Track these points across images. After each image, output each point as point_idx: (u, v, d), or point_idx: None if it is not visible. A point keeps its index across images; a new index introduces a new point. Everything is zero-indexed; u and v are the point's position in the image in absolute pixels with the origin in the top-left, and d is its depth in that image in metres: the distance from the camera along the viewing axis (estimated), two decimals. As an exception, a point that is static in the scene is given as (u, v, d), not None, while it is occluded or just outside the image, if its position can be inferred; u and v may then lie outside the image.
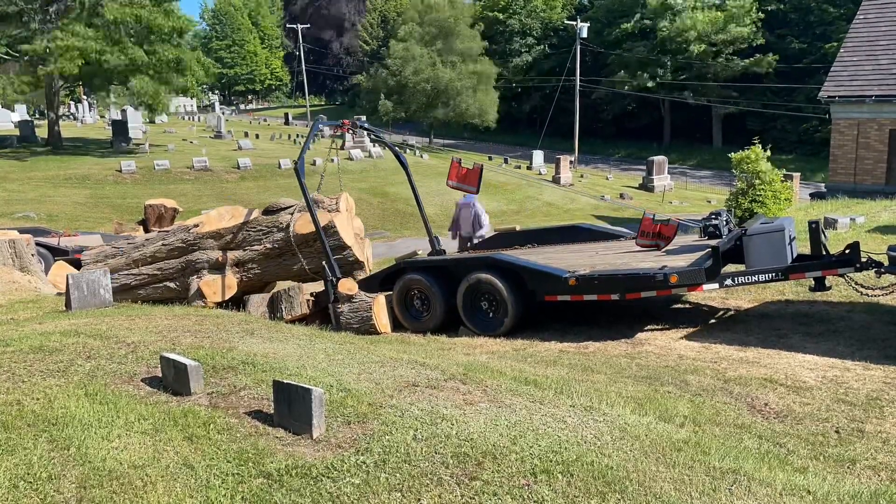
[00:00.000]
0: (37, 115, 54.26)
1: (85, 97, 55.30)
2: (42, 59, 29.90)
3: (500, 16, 62.24)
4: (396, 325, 9.05)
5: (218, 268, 9.64)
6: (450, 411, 4.32)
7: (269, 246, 9.45)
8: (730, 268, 7.99)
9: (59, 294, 10.12)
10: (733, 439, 4.73)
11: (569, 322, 8.64)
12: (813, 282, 7.65)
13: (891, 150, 20.33)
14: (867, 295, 7.59)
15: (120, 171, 29.04)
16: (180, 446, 3.80)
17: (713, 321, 8.29)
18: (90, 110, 58.56)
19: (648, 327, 8.13)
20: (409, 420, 4.13)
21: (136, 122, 44.02)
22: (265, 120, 67.41)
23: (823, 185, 25.97)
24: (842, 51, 21.83)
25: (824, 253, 7.53)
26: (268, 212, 9.74)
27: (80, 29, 30.05)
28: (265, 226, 9.54)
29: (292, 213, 9.48)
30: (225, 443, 3.86)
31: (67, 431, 3.89)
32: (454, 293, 8.55)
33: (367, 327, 8.72)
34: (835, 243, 8.99)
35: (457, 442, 3.86)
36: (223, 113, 63.30)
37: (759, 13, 49.59)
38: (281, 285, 10.02)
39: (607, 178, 41.92)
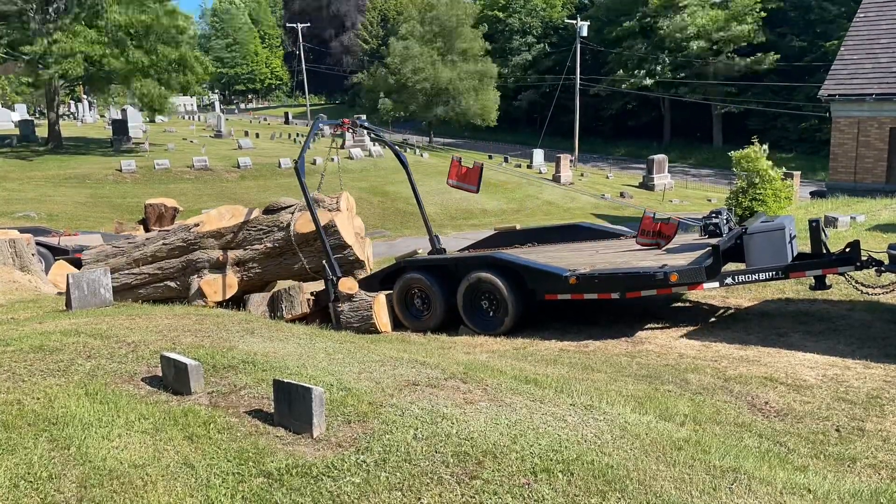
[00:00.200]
0: (37, 115, 54.28)
1: (85, 96, 55.29)
2: (41, 60, 29.88)
3: (500, 14, 62.23)
4: (397, 325, 9.06)
5: (218, 267, 9.65)
6: (450, 410, 4.32)
7: (269, 245, 9.45)
8: (730, 266, 7.99)
9: (59, 293, 10.12)
10: (734, 438, 4.73)
11: (569, 321, 8.64)
12: (813, 280, 7.65)
13: (891, 148, 20.31)
14: (867, 293, 7.59)
15: (120, 170, 29.04)
16: (181, 445, 3.80)
17: (713, 320, 8.29)
18: (90, 110, 58.59)
19: (649, 326, 8.13)
20: (409, 419, 4.13)
21: (137, 121, 44.04)
22: (265, 119, 67.41)
23: (824, 183, 25.96)
24: (842, 49, 21.81)
25: (824, 251, 7.53)
26: (268, 211, 9.74)
27: (82, 30, 30.05)
28: (266, 225, 9.54)
29: (293, 213, 9.49)
30: (225, 442, 3.86)
31: (68, 431, 3.89)
32: (454, 292, 8.55)
33: (367, 326, 8.72)
34: (835, 242, 8.99)
35: (457, 441, 3.86)
36: (223, 112, 63.28)
37: (762, 12, 49.56)
38: (281, 284, 10.02)
39: (607, 177, 41.91)
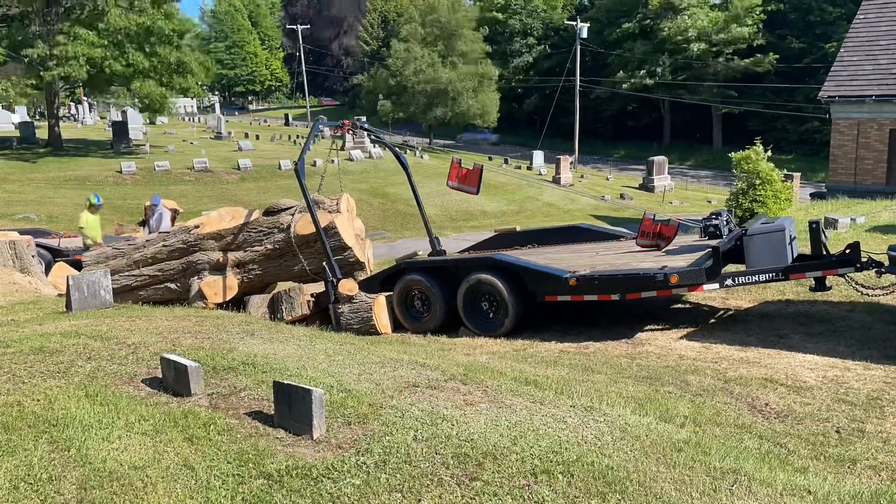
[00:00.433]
0: (37, 117, 54.28)
1: (85, 98, 55.31)
2: (42, 62, 29.91)
3: (501, 16, 62.28)
4: (397, 326, 9.05)
5: (219, 269, 9.65)
6: (450, 412, 4.32)
7: (269, 247, 9.46)
8: (730, 268, 7.99)
9: (59, 295, 10.12)
10: (734, 439, 4.73)
11: (569, 322, 8.64)
12: (813, 282, 7.65)
13: (891, 149, 20.32)
14: (867, 295, 7.59)
15: (120, 172, 29.05)
16: (181, 447, 3.80)
17: (713, 321, 8.29)
18: (90, 111, 58.57)
19: (649, 327, 8.13)
20: (409, 421, 4.13)
21: (137, 123, 44.03)
22: (265, 121, 67.43)
23: (824, 185, 25.97)
24: (842, 51, 21.83)
25: (824, 253, 7.53)
26: (268, 213, 9.75)
27: (84, 33, 30.08)
28: (266, 227, 9.55)
29: (293, 214, 9.49)
30: (225, 444, 3.86)
31: (68, 432, 3.89)
32: (454, 294, 8.55)
33: (367, 328, 8.72)
34: (835, 243, 8.99)
35: (457, 442, 3.86)
36: (223, 114, 63.29)
37: (762, 14, 49.61)
38: (282, 286, 10.02)
39: (607, 179, 41.92)
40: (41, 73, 30.21)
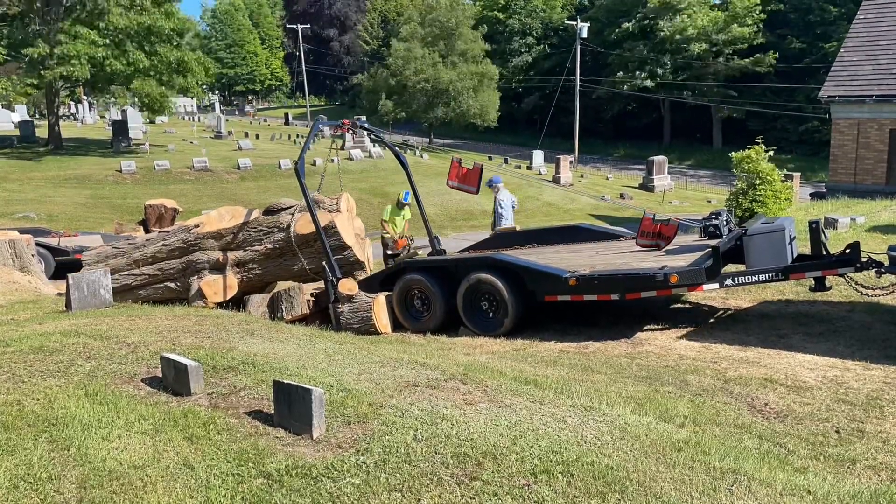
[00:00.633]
0: (37, 116, 54.26)
1: (85, 98, 55.29)
2: (43, 61, 29.90)
3: (500, 15, 62.24)
4: (396, 326, 9.05)
5: (218, 268, 9.65)
6: (450, 411, 4.32)
7: (269, 246, 9.45)
8: (730, 268, 7.99)
9: (59, 294, 10.12)
10: (733, 439, 4.73)
11: (569, 322, 8.64)
12: (813, 282, 7.65)
13: (891, 149, 20.32)
14: (867, 295, 7.59)
15: (120, 171, 29.04)
16: (180, 446, 3.80)
17: (713, 321, 8.29)
18: (90, 110, 58.54)
19: (648, 327, 8.13)
20: (409, 420, 4.13)
21: (137, 122, 44.00)
22: (265, 120, 67.42)
23: (823, 184, 25.97)
24: (842, 51, 21.83)
25: (824, 253, 7.53)
26: (268, 212, 9.74)
27: (85, 32, 30.06)
28: (266, 226, 9.54)
29: (293, 214, 9.49)
30: (225, 443, 3.86)
31: (67, 432, 3.89)
32: (454, 293, 8.55)
33: (367, 327, 8.72)
34: (835, 243, 8.99)
35: (457, 442, 3.86)
36: (223, 113, 63.28)
37: (762, 13, 49.62)
38: (282, 285, 10.02)
39: (607, 178, 41.92)
40: (42, 73, 30.20)
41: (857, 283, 7.51)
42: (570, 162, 40.66)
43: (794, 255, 7.80)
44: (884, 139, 20.36)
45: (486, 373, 5.52)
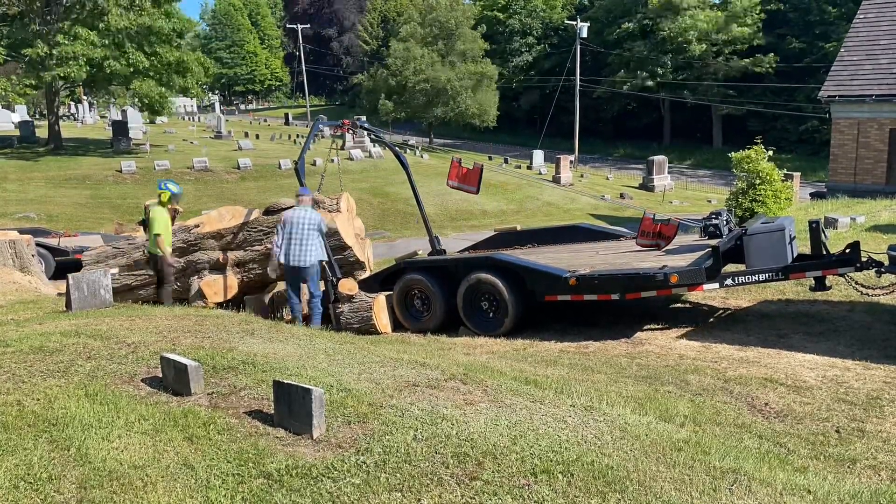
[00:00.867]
0: (37, 116, 54.26)
1: (85, 98, 55.29)
2: (42, 62, 29.91)
3: (501, 15, 62.26)
4: (397, 325, 9.06)
5: (219, 268, 9.65)
6: (450, 411, 4.32)
7: (269, 246, 9.46)
8: (730, 267, 7.99)
9: (59, 294, 10.12)
10: (734, 439, 4.73)
11: (569, 322, 8.64)
12: (813, 281, 7.65)
13: (891, 149, 20.32)
14: (867, 294, 7.58)
15: (120, 171, 29.05)
16: (180, 446, 3.80)
17: (713, 321, 8.29)
18: (90, 111, 58.54)
19: (648, 327, 8.13)
20: (409, 420, 4.13)
21: (137, 122, 44.02)
22: (265, 120, 67.43)
23: (824, 184, 25.97)
24: (842, 50, 21.82)
25: (824, 252, 7.53)
26: (268, 212, 9.75)
27: (84, 32, 30.07)
28: (266, 226, 9.54)
29: None
30: (225, 443, 3.86)
31: (68, 432, 3.89)
32: (454, 293, 8.55)
33: (367, 327, 8.72)
34: (835, 243, 8.99)
35: (457, 442, 3.86)
36: (223, 113, 63.26)
37: (762, 13, 49.63)
38: (282, 285, 10.02)
39: (607, 178, 41.92)
40: (41, 73, 30.21)
41: (857, 283, 7.51)
42: (570, 162, 40.66)
43: (795, 255, 7.80)
44: (884, 139, 20.35)
45: (486, 373, 5.52)
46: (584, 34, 45.84)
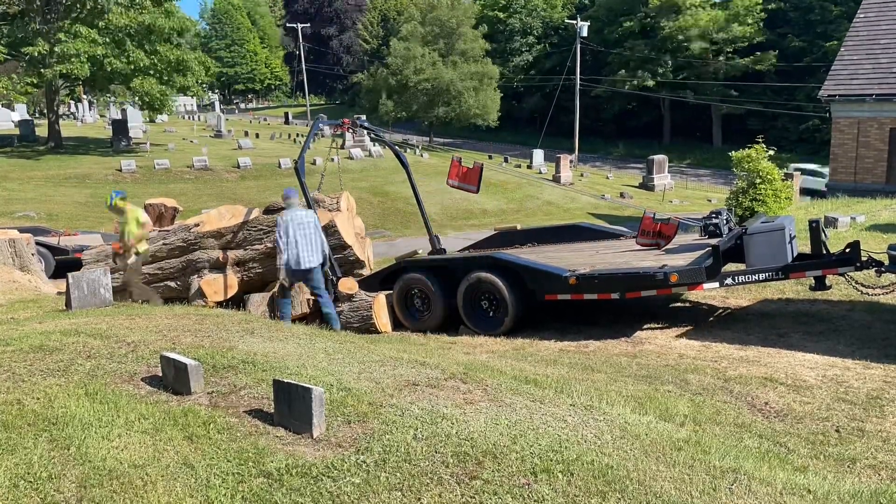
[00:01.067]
0: (37, 115, 54.25)
1: (85, 96, 55.28)
2: (43, 60, 29.91)
3: (501, 15, 62.23)
4: (397, 325, 9.06)
5: (219, 267, 9.65)
6: (450, 410, 4.32)
7: (269, 245, 9.45)
8: (730, 267, 7.99)
9: (59, 293, 10.12)
10: (733, 438, 4.73)
11: (569, 321, 8.64)
12: (813, 281, 7.65)
13: (891, 148, 20.32)
14: (867, 294, 7.58)
15: (120, 170, 29.05)
16: (180, 446, 3.80)
17: (713, 320, 8.29)
18: (90, 109, 58.53)
19: (648, 326, 8.13)
20: (409, 419, 4.13)
21: (137, 121, 44.01)
22: (265, 119, 67.41)
23: (824, 183, 25.95)
24: (842, 49, 21.82)
25: (824, 252, 7.53)
26: (268, 211, 9.74)
27: (85, 30, 30.08)
28: (266, 225, 9.54)
29: None
30: (225, 442, 3.86)
31: (67, 431, 3.89)
32: (454, 292, 8.55)
33: (367, 326, 8.72)
34: (835, 242, 8.99)
35: (457, 441, 3.86)
36: (223, 112, 63.23)
37: (762, 12, 49.61)
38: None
39: (607, 177, 41.91)
40: (42, 71, 30.21)
41: (857, 283, 7.51)
42: (571, 161, 40.64)
43: (795, 254, 7.80)
44: (884, 138, 20.35)
45: (486, 372, 5.52)
46: (585, 33, 45.82)
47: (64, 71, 29.91)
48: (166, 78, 33.60)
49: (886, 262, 7.16)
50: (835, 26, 47.23)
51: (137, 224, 8.78)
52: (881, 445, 4.80)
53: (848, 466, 4.47)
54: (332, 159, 11.67)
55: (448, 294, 8.63)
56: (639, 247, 8.74)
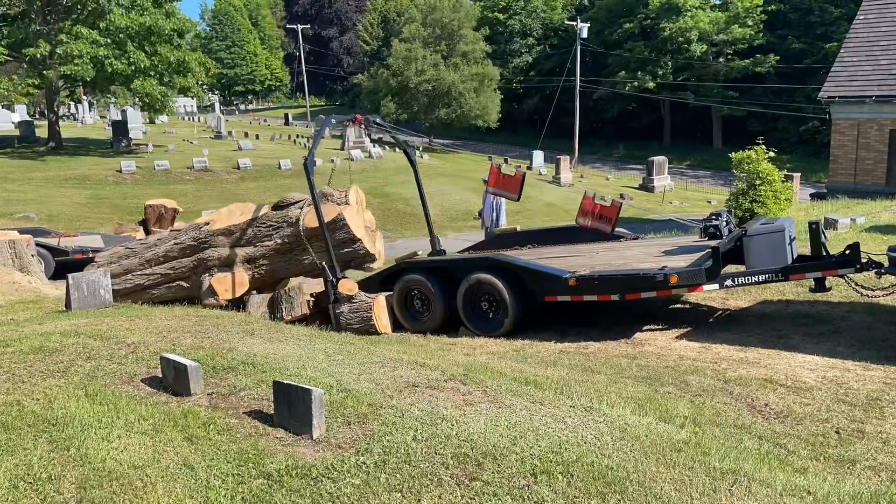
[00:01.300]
0: (37, 116, 54.29)
1: (85, 98, 55.31)
2: (44, 61, 29.93)
3: (501, 16, 62.26)
4: (396, 326, 9.05)
5: (229, 265, 9.57)
6: (450, 412, 4.32)
7: (279, 241, 9.35)
8: (730, 268, 7.99)
9: (59, 294, 10.12)
10: (733, 440, 4.73)
11: (569, 322, 8.64)
12: (813, 282, 7.65)
13: (891, 150, 20.32)
14: (867, 296, 7.58)
15: (120, 171, 29.07)
16: (180, 447, 3.80)
17: (713, 321, 8.29)
18: (90, 110, 58.55)
19: (648, 327, 8.13)
20: (409, 421, 4.13)
21: (137, 122, 44.04)
22: (265, 120, 67.44)
23: (824, 185, 25.98)
24: (842, 51, 21.82)
25: (824, 254, 7.53)
26: (277, 207, 9.64)
27: (86, 32, 30.10)
28: (275, 221, 9.44)
29: (301, 208, 9.42)
30: (225, 443, 3.86)
31: (67, 432, 3.89)
32: (454, 294, 8.54)
33: (367, 328, 8.71)
34: (835, 243, 8.99)
35: (457, 442, 3.86)
36: (223, 113, 63.25)
37: (762, 14, 49.65)
38: (293, 282, 9.95)
39: (607, 179, 41.93)
40: (43, 73, 30.24)
41: (856, 284, 7.51)
42: (571, 162, 40.65)
43: (794, 256, 7.80)
44: (884, 139, 20.35)
45: (486, 373, 5.52)
46: (585, 35, 45.82)
47: (67, 72, 29.93)
48: (167, 79, 33.63)
49: (886, 264, 7.15)
50: (835, 28, 47.27)
51: None
52: (881, 447, 4.80)
53: (848, 468, 4.47)
54: (332, 160, 11.65)
55: (448, 295, 8.63)
56: (580, 225, 8.83)
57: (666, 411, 5.13)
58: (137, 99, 34.82)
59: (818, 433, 5.03)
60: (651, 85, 51.09)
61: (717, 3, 52.53)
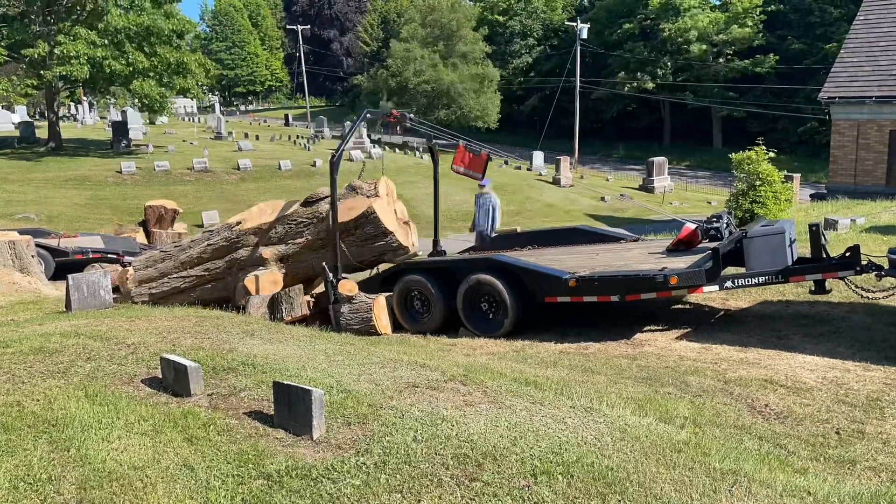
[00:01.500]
0: (37, 117, 54.29)
1: (85, 98, 55.32)
2: (43, 62, 29.94)
3: (501, 18, 62.27)
4: (396, 327, 9.05)
5: (262, 263, 9.52)
6: (450, 412, 4.32)
7: (310, 238, 9.25)
8: (730, 270, 7.99)
9: (59, 295, 10.12)
10: (733, 440, 4.73)
11: (568, 323, 8.64)
12: (813, 284, 7.65)
13: (891, 151, 20.32)
14: (867, 297, 7.58)
15: (120, 172, 29.07)
16: (180, 447, 3.80)
17: (713, 322, 8.29)
18: (90, 111, 58.56)
19: (648, 328, 8.13)
20: (409, 421, 4.13)
21: (136, 123, 44.05)
22: (265, 121, 67.44)
23: (824, 185, 25.98)
24: (842, 52, 21.83)
25: (824, 255, 7.52)
26: (307, 203, 9.54)
27: (85, 32, 30.12)
28: (305, 217, 9.34)
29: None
30: (225, 444, 3.86)
31: (67, 433, 3.89)
32: (454, 294, 8.54)
33: (367, 328, 8.71)
34: (835, 244, 8.99)
35: (457, 443, 3.86)
36: (223, 114, 63.23)
37: (762, 14, 49.67)
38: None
39: (607, 179, 41.91)
40: (42, 73, 30.24)
41: (856, 286, 7.50)
42: (570, 163, 40.63)
43: (794, 258, 7.80)
44: (883, 140, 20.36)
45: (486, 374, 5.52)
46: (585, 35, 45.79)
47: (63, 73, 29.93)
48: (166, 80, 33.62)
49: (886, 266, 7.15)
50: (834, 28, 47.27)
51: None
52: (881, 447, 4.80)
53: (848, 468, 4.47)
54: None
55: (448, 296, 8.63)
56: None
57: (666, 412, 5.13)
58: (136, 100, 34.81)
59: (818, 434, 5.03)
60: (651, 85, 51.09)
61: (717, 3, 52.55)
